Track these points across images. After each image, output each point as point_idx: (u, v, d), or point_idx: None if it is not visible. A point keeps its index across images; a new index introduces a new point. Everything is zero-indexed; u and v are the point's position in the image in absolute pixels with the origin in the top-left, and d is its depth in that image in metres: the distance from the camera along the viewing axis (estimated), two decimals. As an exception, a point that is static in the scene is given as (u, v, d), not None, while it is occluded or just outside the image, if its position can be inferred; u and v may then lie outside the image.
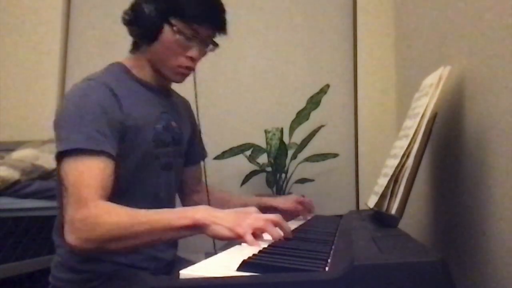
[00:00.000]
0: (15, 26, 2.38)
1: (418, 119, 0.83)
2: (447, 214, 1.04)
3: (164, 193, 1.19)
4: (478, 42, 0.85)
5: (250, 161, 1.93)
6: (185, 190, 1.38)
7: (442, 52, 1.12)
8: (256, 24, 2.25)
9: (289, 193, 1.86)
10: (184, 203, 1.39)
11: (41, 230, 1.72)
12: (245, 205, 0.96)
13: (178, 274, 0.55)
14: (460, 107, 0.93)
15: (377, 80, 2.05)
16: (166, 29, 1.09)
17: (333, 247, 0.75)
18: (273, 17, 2.24)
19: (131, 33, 1.15)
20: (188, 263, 1.09)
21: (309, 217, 1.38)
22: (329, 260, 0.61)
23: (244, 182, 1.95)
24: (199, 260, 0.64)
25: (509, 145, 0.71)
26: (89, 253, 1.05)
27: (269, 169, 1.91)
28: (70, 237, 0.91)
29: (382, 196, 0.87)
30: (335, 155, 1.95)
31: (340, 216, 1.28)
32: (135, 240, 0.91)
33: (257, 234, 0.83)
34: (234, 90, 2.23)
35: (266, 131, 1.80)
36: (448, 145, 1.02)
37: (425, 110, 0.83)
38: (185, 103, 1.36)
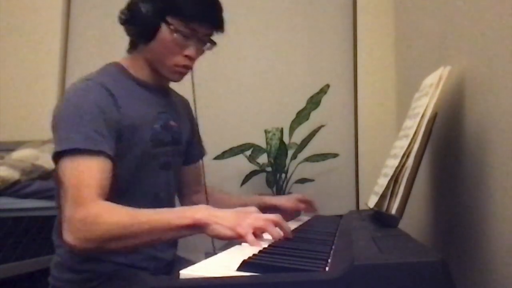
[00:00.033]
0: (15, 26, 2.38)
1: (418, 119, 0.83)
2: (447, 214, 1.04)
3: (163, 192, 1.19)
4: (478, 42, 0.85)
5: (250, 161, 1.93)
6: (184, 190, 1.38)
7: (442, 52, 1.12)
8: (256, 24, 2.25)
9: (289, 193, 1.86)
10: (183, 204, 1.39)
11: (41, 230, 1.72)
12: (245, 205, 0.96)
13: (178, 274, 0.55)
14: (460, 107, 0.93)
15: (377, 80, 2.05)
16: (163, 28, 1.09)
17: (333, 247, 0.75)
18: (273, 17, 2.24)
19: (128, 33, 1.14)
20: (188, 263, 1.09)
21: (312, 215, 1.38)
22: (329, 260, 0.61)
23: (244, 182, 1.95)
24: (199, 260, 0.64)
25: (509, 145, 0.71)
26: (88, 253, 1.04)
27: (269, 169, 1.91)
28: (69, 237, 0.91)
29: (382, 196, 0.87)
30: (335, 155, 1.95)
31: (340, 216, 1.28)
32: (135, 240, 0.90)
33: (257, 234, 0.83)
34: (234, 90, 2.23)
35: (266, 131, 1.80)
36: (448, 145, 1.02)
37: (425, 110, 0.83)
38: (184, 102, 1.36)
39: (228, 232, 0.83)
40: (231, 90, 2.23)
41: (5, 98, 2.33)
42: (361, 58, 2.08)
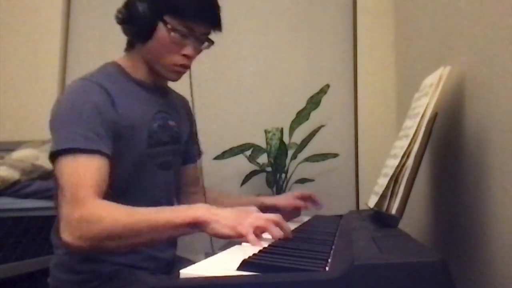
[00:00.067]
0: (15, 26, 2.38)
1: (418, 119, 0.83)
2: (447, 214, 1.04)
3: (163, 193, 1.18)
4: (478, 42, 0.85)
5: (250, 161, 1.93)
6: (181, 191, 1.36)
7: (442, 52, 1.12)
8: (256, 24, 2.25)
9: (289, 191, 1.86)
10: (181, 205, 1.38)
11: (41, 230, 1.72)
12: (242, 205, 0.95)
13: (178, 273, 0.55)
14: (460, 107, 0.93)
15: (377, 80, 2.05)
16: (161, 27, 1.09)
17: (333, 247, 0.75)
18: (273, 17, 2.24)
19: (125, 32, 1.14)
20: (188, 262, 1.10)
21: (319, 208, 1.36)
22: (329, 260, 0.61)
23: (244, 182, 1.95)
24: (199, 260, 0.64)
25: (509, 145, 0.71)
26: (86, 252, 1.04)
27: (269, 169, 1.91)
28: (67, 236, 0.90)
29: (382, 196, 0.87)
30: (335, 155, 1.95)
31: (340, 216, 1.28)
32: (134, 239, 0.90)
33: (257, 234, 0.83)
34: (234, 90, 2.23)
35: (266, 131, 1.80)
36: (448, 145, 1.02)
37: (425, 110, 0.83)
38: (183, 102, 1.36)
39: (229, 231, 0.83)
40: (231, 90, 2.23)
41: (5, 98, 2.33)
42: (361, 58, 2.08)
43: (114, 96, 1.07)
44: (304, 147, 1.91)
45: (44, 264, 1.27)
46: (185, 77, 1.20)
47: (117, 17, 1.12)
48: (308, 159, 1.93)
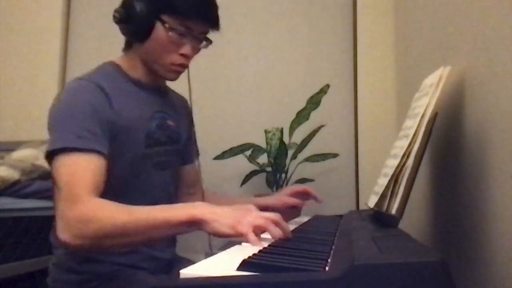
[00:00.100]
0: (15, 26, 2.38)
1: (418, 119, 0.83)
2: (447, 214, 1.04)
3: (162, 193, 1.18)
4: (478, 42, 0.85)
5: (250, 161, 1.93)
6: (181, 192, 1.34)
7: (442, 52, 1.12)
8: (256, 24, 2.25)
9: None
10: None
11: (41, 230, 1.72)
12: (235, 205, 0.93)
13: (179, 273, 0.55)
14: (460, 107, 0.93)
15: (377, 80, 2.05)
16: (158, 26, 1.08)
17: (333, 247, 0.75)
18: (273, 17, 2.24)
19: (123, 32, 1.14)
20: (188, 262, 1.09)
21: (320, 201, 1.31)
22: (329, 260, 0.61)
23: (244, 182, 1.95)
24: (199, 260, 0.64)
25: (509, 145, 0.71)
26: (83, 250, 1.03)
27: (269, 169, 1.91)
28: (63, 235, 0.90)
29: (382, 196, 0.87)
30: (335, 155, 1.95)
31: (340, 216, 1.28)
32: (132, 237, 0.89)
33: (257, 233, 0.82)
34: (234, 90, 2.23)
35: (266, 131, 1.80)
36: (448, 145, 1.02)
37: (425, 110, 0.83)
38: (183, 102, 1.35)
39: (228, 230, 0.82)
40: (231, 90, 2.23)
41: (5, 98, 2.33)
42: (361, 58, 2.08)
43: (111, 96, 1.06)
44: (304, 147, 1.91)
45: (44, 264, 1.27)
46: (184, 77, 1.20)
47: (114, 17, 1.11)
48: (308, 159, 1.93)
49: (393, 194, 0.82)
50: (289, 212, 1.32)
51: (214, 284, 0.51)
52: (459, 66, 0.94)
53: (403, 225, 0.79)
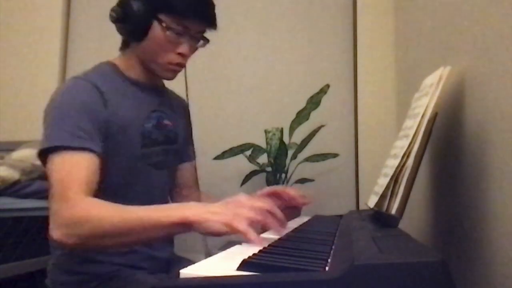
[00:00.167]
0: (15, 26, 2.38)
1: (418, 119, 0.83)
2: (447, 214, 1.04)
3: (159, 193, 1.18)
4: (478, 42, 0.85)
5: (250, 161, 1.93)
6: (176, 192, 1.32)
7: (442, 52, 1.12)
8: (256, 24, 2.25)
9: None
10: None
11: (41, 230, 1.72)
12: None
13: (178, 273, 0.55)
14: (460, 107, 0.93)
15: (377, 80, 2.05)
16: (155, 25, 1.08)
17: (333, 247, 0.75)
18: (273, 17, 2.24)
19: (120, 31, 1.13)
20: (187, 262, 1.09)
21: (314, 198, 1.29)
22: (329, 260, 0.61)
23: (244, 182, 1.95)
24: (198, 260, 0.64)
25: (509, 145, 0.71)
26: (76, 250, 1.03)
27: (269, 169, 1.91)
28: (56, 233, 0.89)
29: (382, 196, 0.87)
30: (335, 155, 1.95)
31: (340, 216, 1.28)
32: (125, 237, 0.88)
33: (254, 227, 0.79)
34: (235, 89, 2.23)
35: (266, 131, 1.80)
36: (448, 145, 1.02)
37: (425, 110, 0.83)
38: (181, 102, 1.34)
39: (223, 228, 0.79)
40: (231, 90, 2.23)
41: (5, 98, 2.33)
42: (361, 58, 2.08)
43: (107, 95, 1.06)
44: (304, 147, 1.91)
45: (44, 264, 1.27)
46: (181, 76, 1.20)
47: (111, 16, 1.11)
48: (308, 159, 1.93)
49: (393, 194, 0.82)
50: (289, 212, 1.32)
51: (214, 284, 0.51)
52: (459, 66, 0.94)
53: (403, 225, 0.79)
